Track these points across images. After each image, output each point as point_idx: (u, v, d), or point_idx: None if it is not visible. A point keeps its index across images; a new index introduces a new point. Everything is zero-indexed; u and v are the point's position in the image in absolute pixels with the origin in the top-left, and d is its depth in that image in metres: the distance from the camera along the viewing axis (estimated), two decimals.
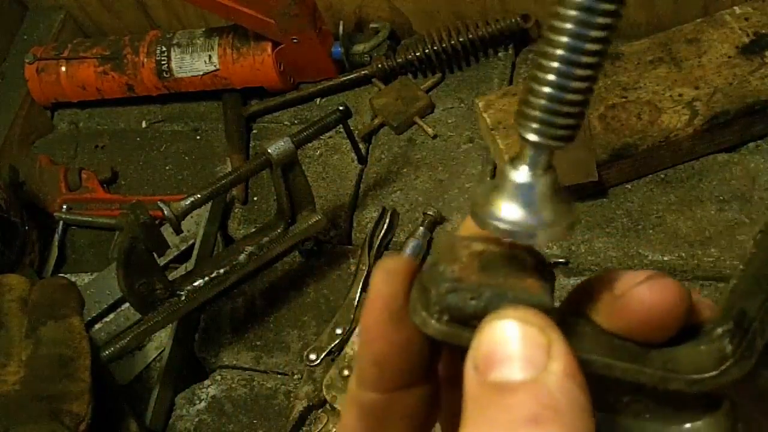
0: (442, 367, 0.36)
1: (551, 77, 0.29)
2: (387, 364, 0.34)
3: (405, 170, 1.19)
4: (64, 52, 1.37)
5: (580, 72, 0.29)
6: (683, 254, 1.00)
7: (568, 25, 0.29)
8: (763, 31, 1.08)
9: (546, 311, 0.30)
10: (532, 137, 0.30)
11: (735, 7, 1.11)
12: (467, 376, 0.30)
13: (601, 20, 0.29)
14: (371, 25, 1.34)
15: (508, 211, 0.31)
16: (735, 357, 0.30)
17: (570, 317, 0.32)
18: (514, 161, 0.31)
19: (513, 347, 0.29)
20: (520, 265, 0.32)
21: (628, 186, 1.08)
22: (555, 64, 0.29)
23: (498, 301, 0.31)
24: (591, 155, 1.02)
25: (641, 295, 0.31)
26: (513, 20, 1.23)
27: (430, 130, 1.21)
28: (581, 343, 0.31)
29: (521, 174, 0.31)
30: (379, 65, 1.27)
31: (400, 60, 1.26)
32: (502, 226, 0.30)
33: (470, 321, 0.31)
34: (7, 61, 1.46)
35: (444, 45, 1.24)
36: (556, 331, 0.30)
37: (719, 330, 0.32)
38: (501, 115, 1.09)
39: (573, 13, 0.28)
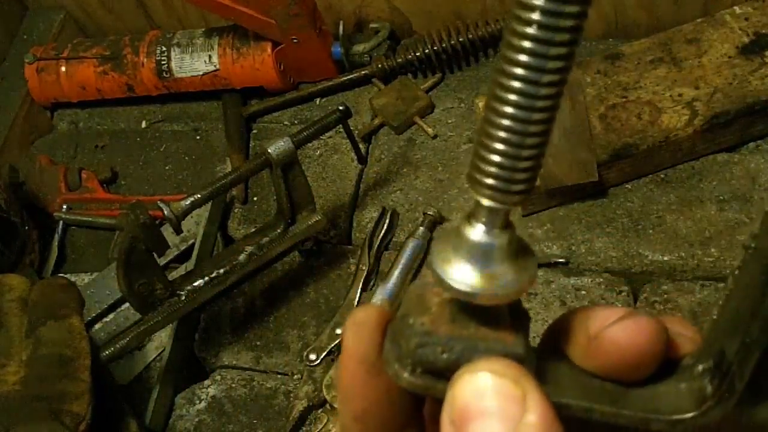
0: (427, 408, 0.36)
1: (504, 135, 0.28)
2: (369, 419, 0.33)
3: (405, 170, 1.19)
4: (64, 52, 1.37)
5: (534, 128, 0.28)
6: (683, 254, 1.00)
7: (519, 73, 0.27)
8: (763, 31, 1.08)
9: (520, 360, 0.30)
10: (488, 202, 0.29)
11: (735, 7, 1.11)
12: (444, 431, 0.30)
13: (552, 65, 0.27)
14: (371, 25, 1.34)
15: (465, 273, 0.30)
16: (715, 398, 0.30)
17: (547, 358, 0.32)
18: (470, 218, 0.30)
19: (487, 401, 0.29)
20: (492, 312, 0.31)
21: (628, 186, 1.08)
22: (507, 122, 0.28)
23: (470, 354, 0.30)
24: (591, 155, 1.02)
25: (615, 336, 0.31)
26: None
27: (430, 130, 1.21)
28: (559, 386, 0.31)
29: (477, 233, 0.30)
30: (379, 65, 1.27)
31: (400, 60, 1.26)
32: (460, 287, 0.30)
33: (444, 373, 0.31)
34: (7, 61, 1.46)
35: (444, 45, 1.24)
36: (531, 381, 0.29)
37: (699, 368, 0.31)
38: None
39: (521, 65, 0.27)
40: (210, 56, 1.29)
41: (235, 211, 1.23)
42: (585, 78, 1.09)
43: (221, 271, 1.02)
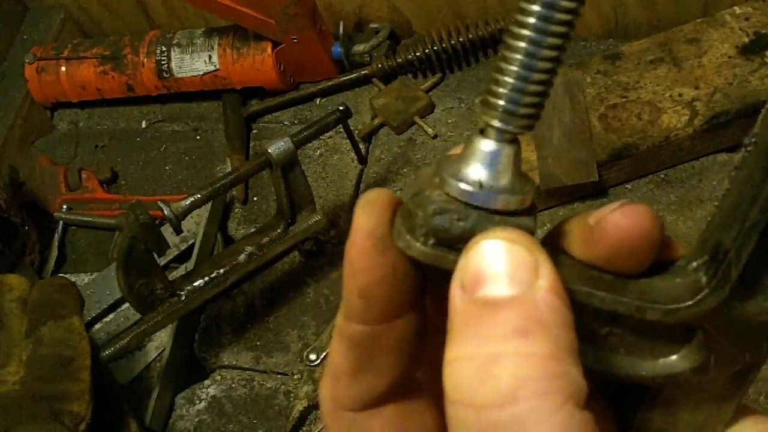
0: (429, 296, 0.36)
1: (515, 68, 0.31)
2: (373, 295, 0.33)
3: (405, 170, 1.19)
4: (64, 52, 1.37)
5: (542, 65, 0.31)
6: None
7: (531, 20, 0.30)
8: (763, 31, 1.08)
9: (532, 233, 0.31)
10: (497, 123, 0.31)
11: (735, 7, 1.11)
12: (453, 296, 0.31)
13: (561, 16, 0.30)
14: (371, 25, 1.34)
15: (473, 172, 0.32)
16: (710, 287, 0.31)
17: (549, 250, 0.33)
18: (481, 133, 0.32)
19: (501, 265, 0.30)
20: None
21: (628, 186, 1.08)
22: (518, 56, 0.31)
23: (485, 223, 0.31)
24: (591, 155, 1.02)
25: (615, 219, 0.32)
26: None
27: (430, 130, 1.21)
28: (561, 273, 0.31)
29: (487, 143, 0.32)
30: (379, 65, 1.27)
31: (400, 60, 1.26)
32: (463, 186, 0.31)
33: (456, 244, 0.31)
34: (7, 61, 1.46)
35: (444, 45, 1.24)
36: (543, 252, 0.31)
37: (694, 263, 0.32)
38: None
39: (535, 9, 0.30)
40: (210, 56, 1.29)
41: (235, 211, 1.23)
42: (585, 78, 1.09)
43: (221, 271, 1.02)
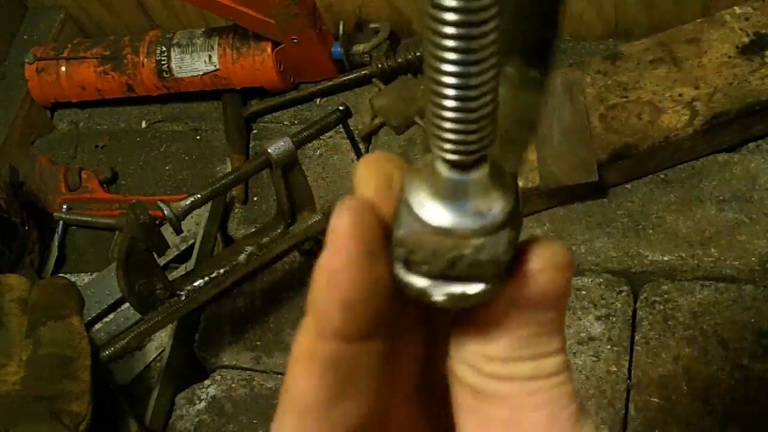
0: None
1: (449, 92, 0.27)
2: (358, 307, 0.30)
3: None
4: (64, 52, 1.37)
5: (477, 78, 0.27)
6: (683, 254, 1.00)
7: (448, 41, 0.27)
8: (763, 31, 1.08)
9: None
10: (452, 157, 0.29)
11: (735, 7, 1.11)
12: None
13: (481, 15, 0.26)
14: (371, 25, 1.33)
15: (440, 207, 0.30)
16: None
17: None
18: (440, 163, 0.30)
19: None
20: None
21: (628, 186, 1.08)
22: (448, 80, 0.27)
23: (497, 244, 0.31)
24: (591, 155, 1.02)
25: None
26: None
27: None
28: None
29: (452, 173, 0.30)
30: (379, 65, 1.27)
31: (400, 60, 1.26)
32: (433, 223, 0.30)
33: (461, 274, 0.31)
34: (7, 61, 1.46)
35: None
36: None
37: None
38: None
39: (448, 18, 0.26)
40: (210, 56, 1.29)
41: (235, 211, 1.23)
42: (585, 78, 1.09)
43: (221, 271, 1.02)
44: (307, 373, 0.31)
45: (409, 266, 0.31)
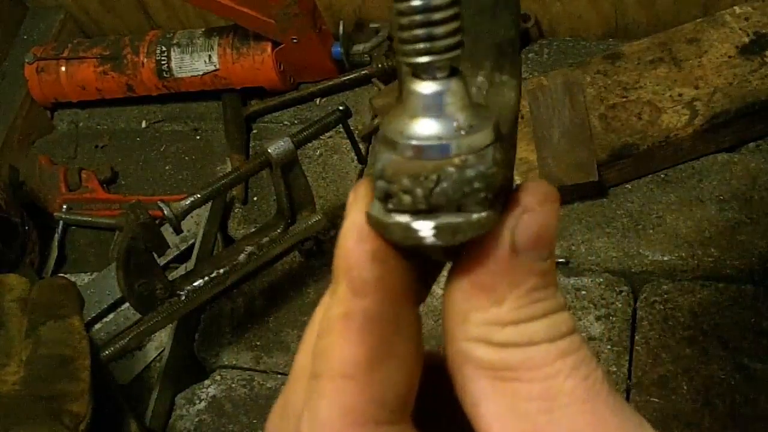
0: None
1: None
2: (390, 258, 0.30)
3: None
4: (64, 52, 1.37)
5: None
6: (683, 254, 1.00)
7: None
8: (763, 31, 1.08)
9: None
10: (423, 58, 0.29)
11: (735, 7, 1.11)
12: (504, 255, 0.30)
13: None
14: (371, 25, 1.33)
15: (418, 126, 0.29)
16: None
17: None
18: (414, 77, 0.29)
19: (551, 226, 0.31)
20: None
21: (628, 186, 1.08)
22: None
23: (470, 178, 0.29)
24: (591, 155, 1.02)
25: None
26: None
27: None
28: None
29: (426, 85, 0.29)
30: (379, 65, 1.27)
31: None
32: (413, 143, 0.28)
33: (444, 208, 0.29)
34: (7, 61, 1.46)
35: None
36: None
37: None
38: None
39: None
40: (210, 56, 1.29)
41: (235, 211, 1.23)
42: (585, 78, 1.09)
43: (221, 271, 1.02)
44: (345, 334, 0.29)
45: (391, 203, 0.29)
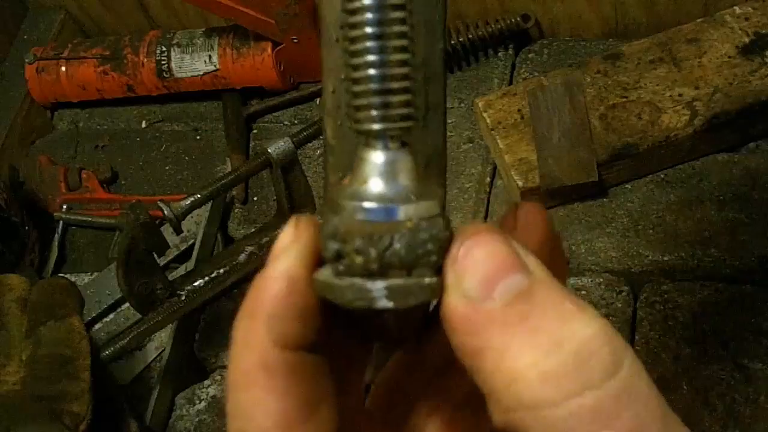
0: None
1: (368, 58, 0.29)
2: (313, 313, 0.29)
3: None
4: (64, 52, 1.37)
5: (394, 42, 0.29)
6: (683, 254, 1.00)
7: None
8: (763, 31, 1.08)
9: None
10: (376, 126, 0.30)
11: (735, 7, 1.11)
12: (461, 312, 0.27)
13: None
14: None
15: (370, 190, 0.29)
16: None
17: None
18: (366, 145, 0.30)
19: (502, 258, 0.28)
20: None
21: (628, 186, 1.08)
22: (366, 44, 0.29)
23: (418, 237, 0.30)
24: (591, 155, 1.02)
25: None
26: (513, 20, 1.23)
27: None
28: None
29: (376, 154, 0.30)
30: None
31: None
32: (365, 205, 0.29)
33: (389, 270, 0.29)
34: (7, 61, 1.46)
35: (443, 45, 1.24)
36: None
37: None
38: (501, 115, 1.09)
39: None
40: (210, 56, 1.29)
41: (235, 211, 1.23)
42: (585, 78, 1.09)
43: (221, 271, 1.02)
44: (269, 388, 0.28)
45: (342, 265, 0.29)
